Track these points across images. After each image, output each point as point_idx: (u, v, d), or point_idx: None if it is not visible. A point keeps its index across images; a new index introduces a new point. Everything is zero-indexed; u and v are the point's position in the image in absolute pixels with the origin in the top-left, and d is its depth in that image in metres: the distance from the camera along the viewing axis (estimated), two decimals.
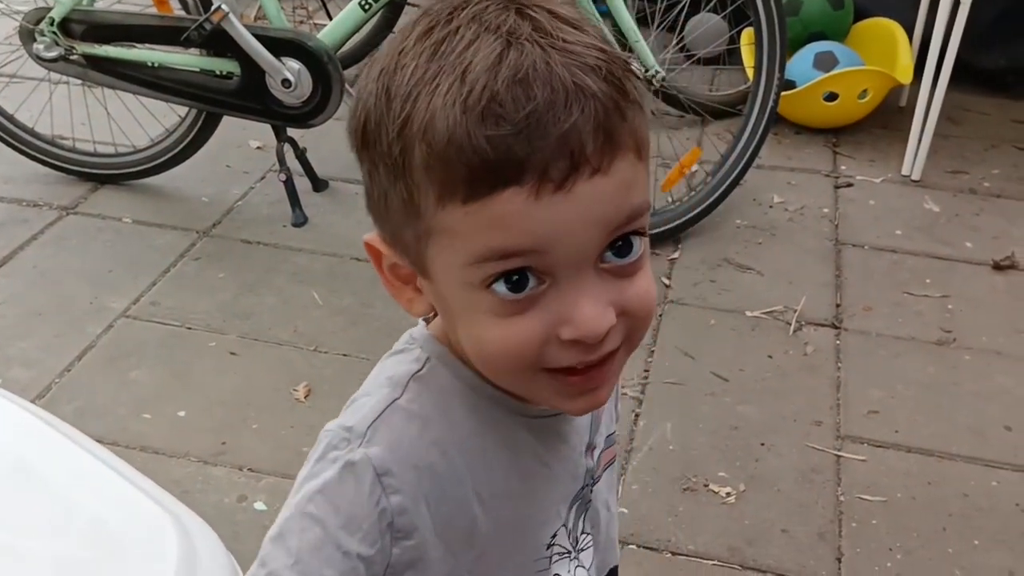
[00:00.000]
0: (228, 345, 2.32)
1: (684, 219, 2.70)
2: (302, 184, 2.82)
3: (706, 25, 3.30)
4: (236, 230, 2.73)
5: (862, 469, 2.05)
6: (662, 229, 2.66)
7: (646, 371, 2.28)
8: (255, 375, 2.25)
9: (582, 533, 0.87)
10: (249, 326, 2.38)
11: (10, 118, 2.87)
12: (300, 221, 2.74)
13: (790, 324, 2.43)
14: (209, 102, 2.69)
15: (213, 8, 2.48)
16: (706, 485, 2.00)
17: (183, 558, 1.03)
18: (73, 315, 2.40)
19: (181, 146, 2.79)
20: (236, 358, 2.29)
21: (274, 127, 2.76)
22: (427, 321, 0.80)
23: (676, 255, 2.68)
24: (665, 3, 2.93)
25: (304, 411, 2.14)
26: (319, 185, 2.88)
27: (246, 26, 2.55)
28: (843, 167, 3.09)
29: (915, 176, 3.01)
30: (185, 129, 2.77)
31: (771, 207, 2.89)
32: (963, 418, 2.18)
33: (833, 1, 3.32)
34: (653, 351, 2.34)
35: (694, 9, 3.13)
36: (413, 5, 2.98)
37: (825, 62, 3.14)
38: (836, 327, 2.44)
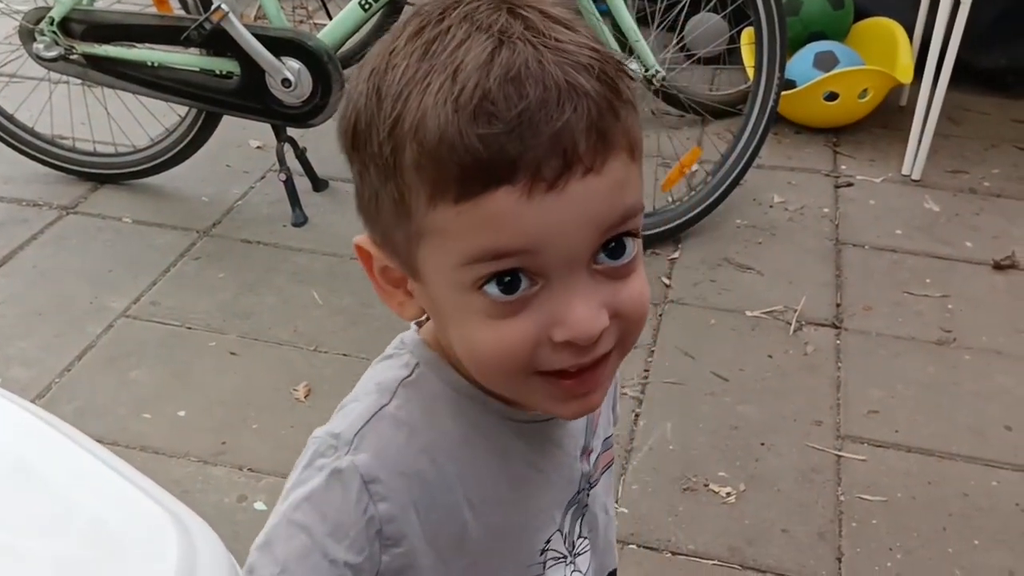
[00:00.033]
0: (228, 345, 2.32)
1: (684, 219, 2.70)
2: (302, 184, 2.82)
3: (706, 25, 3.30)
4: (236, 230, 2.73)
5: (862, 469, 2.05)
6: (662, 229, 2.66)
7: (646, 371, 2.27)
8: (255, 375, 2.25)
9: (579, 537, 0.86)
10: (249, 326, 2.38)
11: (10, 118, 2.87)
12: (300, 221, 2.74)
13: (790, 324, 2.43)
14: (209, 102, 2.69)
15: (213, 8, 2.48)
16: (706, 485, 2.00)
17: (183, 558, 1.03)
18: (73, 315, 2.40)
19: (181, 146, 2.79)
20: (236, 358, 2.29)
21: (274, 127, 2.76)
22: (419, 325, 0.79)
23: (676, 255, 2.68)
24: (665, 3, 2.92)
25: (304, 411, 2.14)
26: (319, 185, 2.88)
27: (246, 26, 2.55)
28: (843, 167, 3.09)
29: (915, 176, 3.01)
30: (185, 129, 2.77)
31: (771, 207, 2.89)
32: (963, 418, 2.18)
33: (833, 1, 3.32)
34: (653, 351, 2.34)
35: (694, 9, 3.12)
36: (412, 5, 2.97)
37: (825, 62, 3.14)
38: (836, 327, 2.43)
